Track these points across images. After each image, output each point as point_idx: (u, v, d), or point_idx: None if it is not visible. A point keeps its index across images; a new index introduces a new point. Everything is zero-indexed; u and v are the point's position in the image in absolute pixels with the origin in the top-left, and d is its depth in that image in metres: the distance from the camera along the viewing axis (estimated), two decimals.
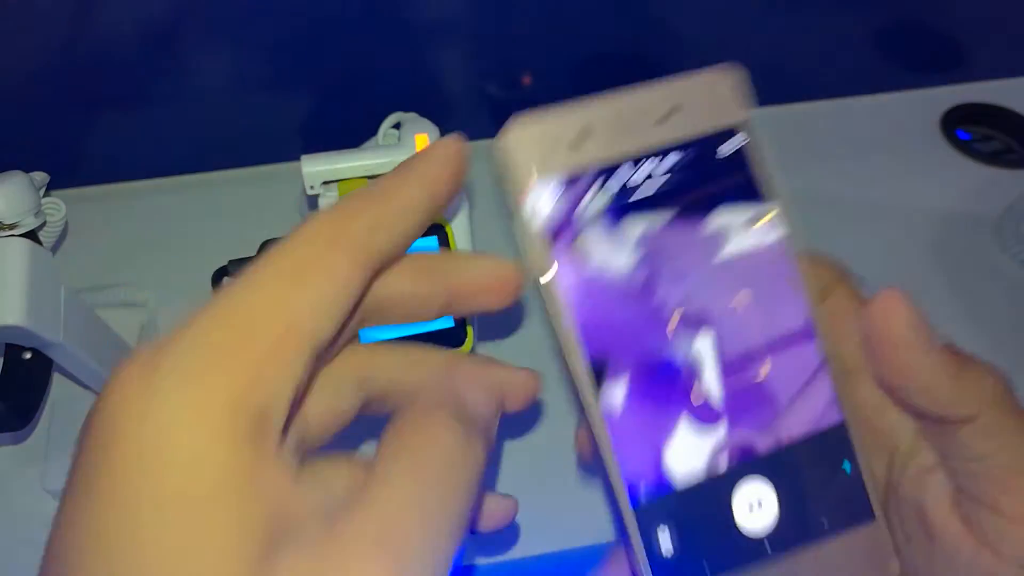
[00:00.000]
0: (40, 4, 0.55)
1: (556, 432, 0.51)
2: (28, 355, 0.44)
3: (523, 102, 0.75)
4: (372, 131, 0.48)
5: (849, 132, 0.69)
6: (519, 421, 0.52)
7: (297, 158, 0.42)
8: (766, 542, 0.24)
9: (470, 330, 0.41)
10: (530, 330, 0.57)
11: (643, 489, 0.23)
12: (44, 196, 0.42)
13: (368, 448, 0.25)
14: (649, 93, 0.23)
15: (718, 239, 0.24)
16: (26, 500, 0.49)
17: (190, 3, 0.57)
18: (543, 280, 0.22)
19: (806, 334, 0.24)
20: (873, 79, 0.71)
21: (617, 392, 0.23)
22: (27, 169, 0.41)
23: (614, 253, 0.23)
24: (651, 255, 0.23)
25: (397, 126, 0.46)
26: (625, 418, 0.23)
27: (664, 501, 0.23)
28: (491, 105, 0.69)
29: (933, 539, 0.24)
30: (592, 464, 0.24)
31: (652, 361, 0.23)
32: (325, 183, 0.43)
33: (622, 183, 0.23)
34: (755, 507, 0.24)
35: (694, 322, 0.23)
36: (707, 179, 0.23)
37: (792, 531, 0.24)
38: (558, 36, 0.65)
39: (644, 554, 0.23)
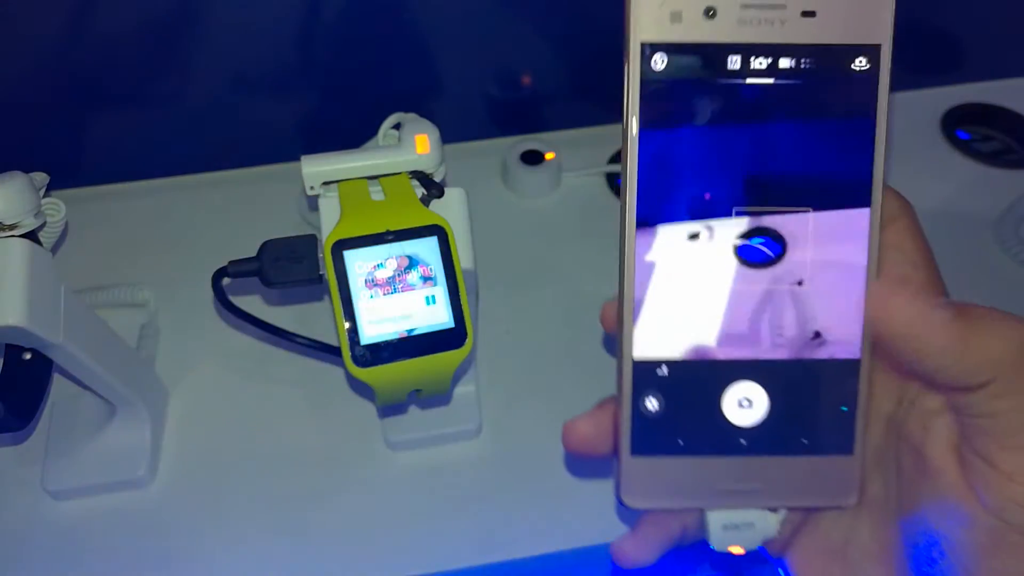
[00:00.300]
0: (40, 4, 0.55)
1: (556, 434, 0.51)
2: (28, 355, 0.44)
3: (523, 102, 0.75)
4: (372, 131, 0.48)
5: None
6: (519, 423, 0.52)
7: (297, 158, 0.42)
8: (743, 439, 0.25)
9: (470, 330, 0.41)
10: (533, 326, 0.57)
11: (648, 349, 0.24)
12: (44, 196, 0.42)
13: None
14: None
15: (806, 147, 0.24)
16: (26, 500, 0.49)
17: (190, 3, 0.57)
18: (631, 128, 0.23)
19: (859, 262, 0.24)
20: None
21: (655, 250, 0.24)
22: (27, 169, 0.41)
23: (703, 126, 0.23)
24: (735, 138, 0.23)
25: (397, 126, 0.46)
26: (653, 276, 0.24)
27: (665, 366, 0.24)
28: (491, 105, 0.69)
29: (926, 477, 0.24)
30: (614, 338, 0.25)
31: (697, 232, 0.24)
32: (325, 183, 0.43)
33: (736, 67, 0.23)
34: (744, 404, 0.24)
35: (753, 213, 0.24)
36: (818, 89, 0.23)
37: (772, 438, 0.25)
38: (558, 36, 0.64)
39: (630, 405, 0.24)
